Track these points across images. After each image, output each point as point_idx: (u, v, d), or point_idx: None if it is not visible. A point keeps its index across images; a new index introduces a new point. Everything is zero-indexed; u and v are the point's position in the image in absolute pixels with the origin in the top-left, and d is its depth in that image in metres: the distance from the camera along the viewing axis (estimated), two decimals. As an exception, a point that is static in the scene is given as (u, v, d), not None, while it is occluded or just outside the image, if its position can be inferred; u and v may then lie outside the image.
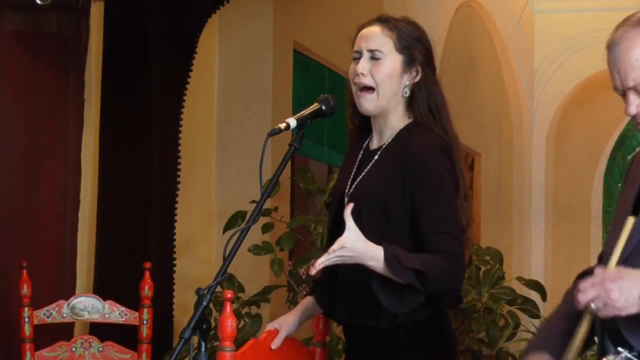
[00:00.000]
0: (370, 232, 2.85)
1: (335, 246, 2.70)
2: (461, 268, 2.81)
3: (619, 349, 2.42)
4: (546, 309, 6.20)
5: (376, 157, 2.98)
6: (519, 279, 5.83)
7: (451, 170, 2.91)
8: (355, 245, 2.71)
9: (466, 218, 2.95)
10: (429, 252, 2.80)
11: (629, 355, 2.41)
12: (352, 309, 2.92)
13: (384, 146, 2.99)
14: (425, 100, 2.98)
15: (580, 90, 8.43)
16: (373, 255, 2.73)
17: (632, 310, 2.37)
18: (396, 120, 3.00)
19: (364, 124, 3.08)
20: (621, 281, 2.37)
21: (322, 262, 2.69)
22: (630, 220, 2.53)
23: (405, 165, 2.88)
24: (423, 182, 2.85)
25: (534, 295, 5.69)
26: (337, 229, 2.92)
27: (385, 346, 2.92)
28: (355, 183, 2.99)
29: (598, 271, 2.43)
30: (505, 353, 5.54)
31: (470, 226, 2.98)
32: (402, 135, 2.97)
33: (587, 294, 2.40)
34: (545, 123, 8.46)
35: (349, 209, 2.71)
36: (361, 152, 3.06)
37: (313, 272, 2.69)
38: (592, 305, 2.40)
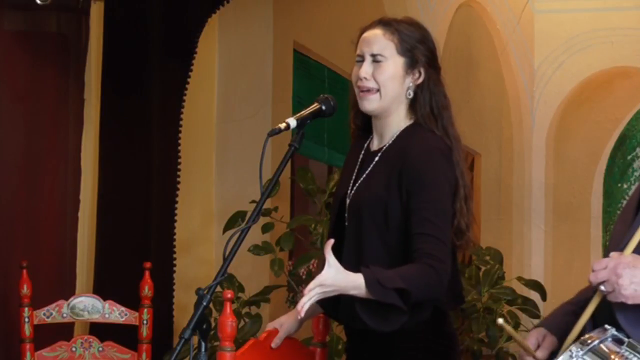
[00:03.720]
0: (371, 235, 2.86)
1: (311, 285, 2.69)
2: (442, 272, 2.79)
3: (606, 326, 2.39)
4: (546, 309, 6.20)
5: (376, 158, 2.98)
6: (519, 279, 5.82)
7: (448, 174, 2.90)
8: (335, 280, 2.71)
9: (466, 221, 2.95)
10: (413, 253, 2.80)
11: (615, 333, 2.38)
12: (355, 312, 2.92)
13: (384, 148, 2.99)
14: (427, 101, 2.97)
15: (580, 90, 8.42)
16: (353, 284, 2.73)
17: (639, 301, 2.34)
18: (397, 121, 2.99)
19: (366, 125, 3.08)
20: (634, 270, 2.34)
21: (304, 303, 2.68)
22: None
23: (403, 168, 2.88)
24: (417, 185, 2.85)
25: (534, 295, 5.68)
26: (339, 230, 2.92)
27: (386, 347, 2.92)
28: (357, 185, 2.99)
29: (614, 254, 2.40)
30: (505, 353, 5.54)
31: (471, 229, 2.98)
32: (402, 137, 2.97)
33: (599, 275, 2.38)
34: (545, 123, 8.45)
35: (329, 245, 2.71)
36: (362, 152, 3.06)
37: (302, 314, 2.69)
38: (602, 287, 2.39)
